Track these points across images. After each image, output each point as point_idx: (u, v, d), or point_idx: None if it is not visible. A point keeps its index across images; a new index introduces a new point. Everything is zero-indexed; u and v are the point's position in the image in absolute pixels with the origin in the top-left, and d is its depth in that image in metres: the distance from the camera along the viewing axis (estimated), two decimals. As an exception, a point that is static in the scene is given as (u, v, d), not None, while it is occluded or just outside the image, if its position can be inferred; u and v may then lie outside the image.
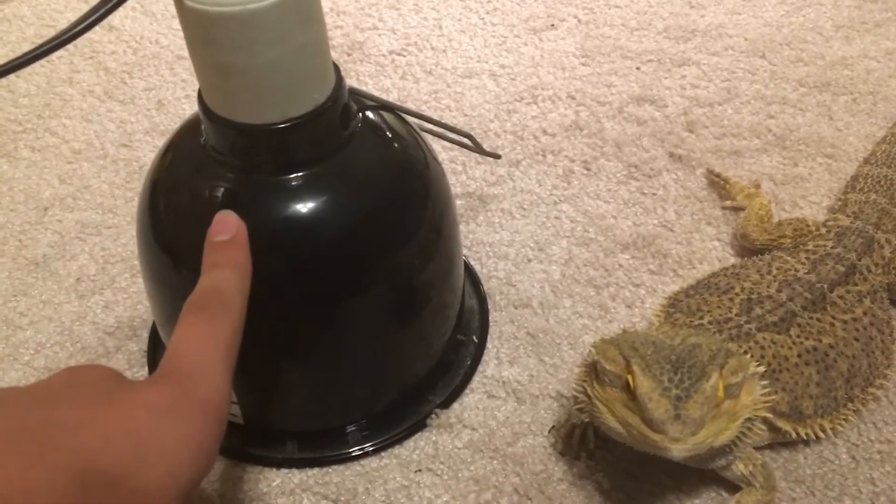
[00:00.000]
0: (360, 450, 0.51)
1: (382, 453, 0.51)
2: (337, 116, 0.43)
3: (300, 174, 0.43)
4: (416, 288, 0.49)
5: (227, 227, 0.41)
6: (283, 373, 0.48)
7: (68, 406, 0.32)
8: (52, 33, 0.88)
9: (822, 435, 0.49)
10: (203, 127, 0.44)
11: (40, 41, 0.88)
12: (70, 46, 0.85)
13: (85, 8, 0.91)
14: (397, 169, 0.48)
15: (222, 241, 0.41)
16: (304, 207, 0.43)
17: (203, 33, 0.39)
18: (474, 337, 0.57)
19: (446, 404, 0.53)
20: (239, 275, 0.40)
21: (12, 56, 0.86)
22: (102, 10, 0.39)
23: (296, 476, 0.50)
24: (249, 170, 0.43)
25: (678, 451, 0.40)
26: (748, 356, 0.46)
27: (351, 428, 0.51)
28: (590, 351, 0.46)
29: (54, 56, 0.84)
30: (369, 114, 0.47)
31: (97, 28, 0.88)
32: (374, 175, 0.46)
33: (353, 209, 0.45)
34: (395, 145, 0.48)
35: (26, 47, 0.86)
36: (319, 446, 0.51)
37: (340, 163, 0.44)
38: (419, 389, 0.53)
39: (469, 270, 0.61)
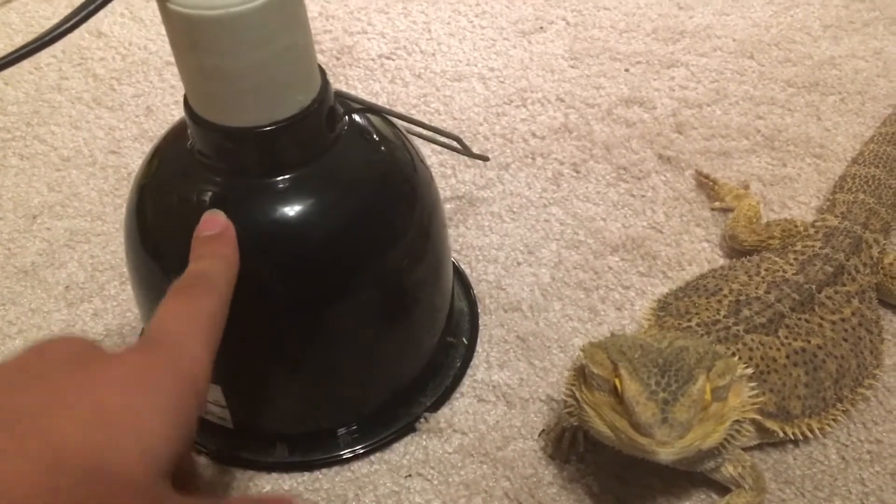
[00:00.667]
0: (350, 452, 0.51)
1: (372, 457, 0.51)
2: (322, 119, 0.44)
3: (287, 176, 0.43)
4: (405, 290, 0.49)
5: (215, 224, 0.41)
6: (272, 376, 0.48)
7: (36, 388, 0.30)
8: (40, 40, 0.88)
9: (809, 435, 0.49)
10: (189, 131, 0.44)
11: (28, 48, 0.88)
12: (58, 53, 0.85)
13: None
14: (384, 171, 0.48)
15: (209, 235, 0.41)
16: (291, 210, 0.43)
17: (187, 37, 0.39)
18: (464, 339, 0.57)
19: (436, 406, 0.53)
20: (225, 264, 0.40)
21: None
22: (86, 11, 0.39)
23: (286, 482, 0.50)
24: (236, 172, 0.43)
25: (666, 454, 0.40)
26: (736, 358, 0.46)
27: (341, 431, 0.51)
28: (578, 355, 0.46)
29: (42, 63, 0.84)
30: (356, 117, 0.47)
31: (85, 34, 0.88)
32: (361, 177, 0.46)
33: (340, 211, 0.45)
34: (382, 148, 0.48)
35: (14, 54, 0.85)
36: (310, 450, 0.51)
37: (327, 165, 0.44)
38: (409, 391, 0.53)
39: (459, 273, 0.61)
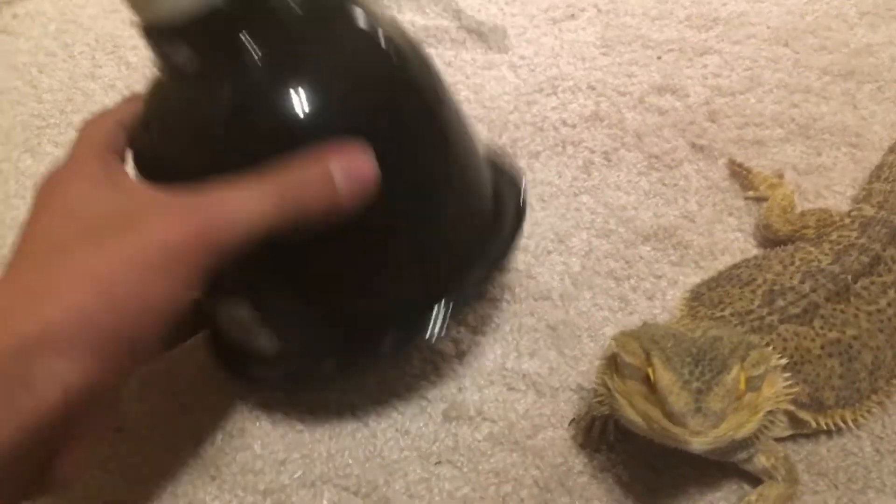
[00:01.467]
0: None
1: (402, 443, 0.51)
2: None
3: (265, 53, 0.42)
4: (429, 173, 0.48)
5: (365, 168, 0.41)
6: (304, 274, 0.47)
7: None
8: (73, 28, 0.89)
9: (843, 426, 0.48)
10: (154, 57, 0.44)
11: (62, 36, 0.89)
12: (91, 41, 0.86)
13: (106, 3, 0.90)
14: (376, 40, 0.46)
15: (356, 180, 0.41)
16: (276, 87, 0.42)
17: None
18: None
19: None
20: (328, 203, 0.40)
21: (36, 50, 0.87)
22: None
23: (317, 468, 0.50)
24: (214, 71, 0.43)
25: (699, 444, 0.39)
26: (770, 348, 0.45)
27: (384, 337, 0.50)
28: (610, 343, 0.46)
29: (76, 51, 0.85)
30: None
31: (119, 23, 0.88)
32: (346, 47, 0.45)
33: (327, 81, 0.43)
34: (372, 24, 0.47)
35: (48, 42, 0.87)
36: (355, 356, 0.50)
37: (306, 38, 0.44)
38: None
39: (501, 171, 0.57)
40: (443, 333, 0.48)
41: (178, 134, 0.44)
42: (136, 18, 0.42)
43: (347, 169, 0.40)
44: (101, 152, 0.43)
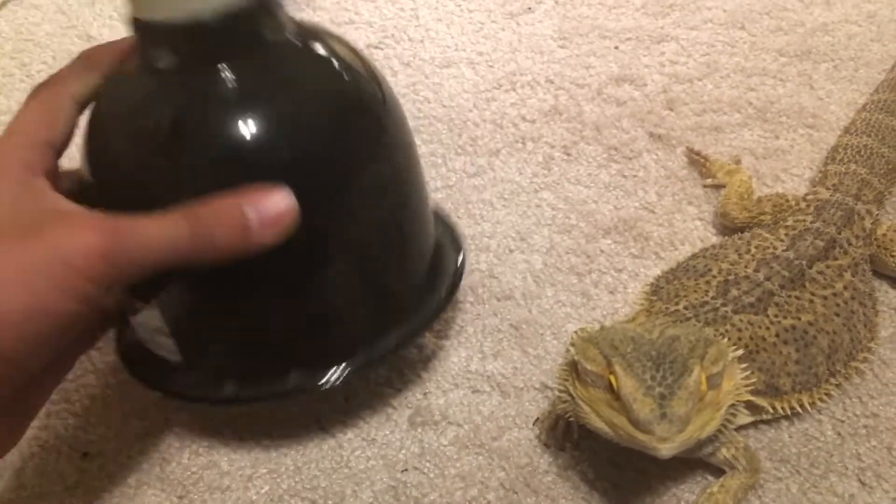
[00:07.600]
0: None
1: (368, 453, 0.51)
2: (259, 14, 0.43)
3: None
4: (365, 228, 0.47)
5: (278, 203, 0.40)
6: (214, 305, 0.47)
7: None
8: (30, 47, 0.88)
9: (800, 410, 0.49)
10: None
11: (20, 55, 0.88)
12: (49, 59, 0.86)
13: (62, 20, 0.90)
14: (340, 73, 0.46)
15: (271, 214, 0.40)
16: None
17: None
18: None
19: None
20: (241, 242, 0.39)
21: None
22: None
23: (284, 482, 0.50)
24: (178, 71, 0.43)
25: (667, 450, 0.39)
26: (725, 340, 0.46)
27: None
28: (569, 349, 0.46)
29: (34, 70, 0.84)
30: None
31: (75, 38, 0.88)
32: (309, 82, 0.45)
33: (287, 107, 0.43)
34: (336, 62, 0.47)
35: (5, 62, 0.86)
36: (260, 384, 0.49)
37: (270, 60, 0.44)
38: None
39: (450, 230, 0.57)
40: (338, 384, 0.48)
41: (127, 125, 0.44)
42: (133, 11, 0.42)
43: (263, 210, 0.39)
44: (28, 158, 0.40)
